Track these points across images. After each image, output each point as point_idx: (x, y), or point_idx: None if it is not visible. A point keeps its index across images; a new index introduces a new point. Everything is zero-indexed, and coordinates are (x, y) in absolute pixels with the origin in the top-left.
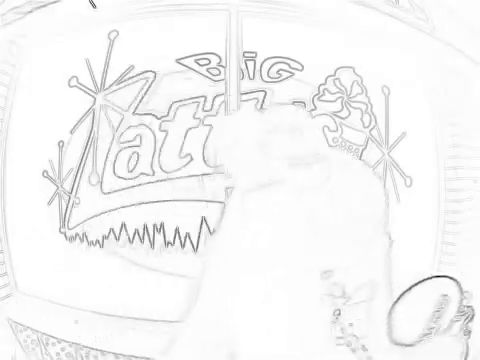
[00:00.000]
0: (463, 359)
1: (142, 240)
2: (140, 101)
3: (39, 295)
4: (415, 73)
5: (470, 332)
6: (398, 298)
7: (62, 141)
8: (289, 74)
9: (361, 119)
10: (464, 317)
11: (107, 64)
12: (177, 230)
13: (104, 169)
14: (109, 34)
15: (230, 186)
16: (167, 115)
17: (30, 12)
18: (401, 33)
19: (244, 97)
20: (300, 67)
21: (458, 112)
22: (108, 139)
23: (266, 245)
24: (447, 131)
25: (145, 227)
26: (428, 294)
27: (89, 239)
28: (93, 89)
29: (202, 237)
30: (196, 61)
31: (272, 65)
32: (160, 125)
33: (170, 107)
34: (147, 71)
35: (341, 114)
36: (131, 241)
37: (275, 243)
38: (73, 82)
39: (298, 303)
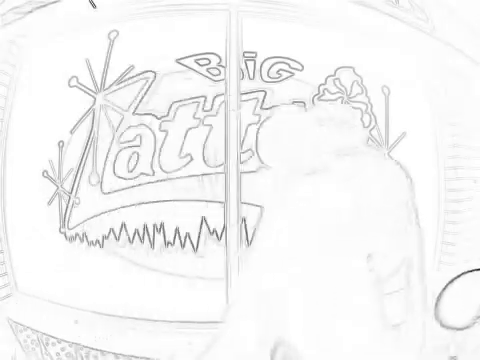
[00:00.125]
0: None
1: (142, 240)
2: (140, 101)
3: (39, 295)
4: (415, 73)
5: None
6: (446, 285)
7: (62, 141)
8: (289, 74)
9: (361, 119)
10: None
11: (107, 64)
12: (177, 230)
13: (104, 169)
14: (109, 34)
15: (269, 178)
16: (167, 115)
17: (30, 12)
18: (401, 33)
19: (244, 97)
20: (300, 67)
21: (458, 112)
22: (108, 139)
23: (313, 231)
24: (447, 131)
25: (145, 227)
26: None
27: (89, 239)
28: (93, 89)
29: (202, 237)
30: (196, 61)
31: (272, 65)
32: (160, 125)
33: (170, 107)
34: (147, 71)
35: None
36: (131, 241)
37: (323, 228)
38: (73, 82)
39: (346, 287)
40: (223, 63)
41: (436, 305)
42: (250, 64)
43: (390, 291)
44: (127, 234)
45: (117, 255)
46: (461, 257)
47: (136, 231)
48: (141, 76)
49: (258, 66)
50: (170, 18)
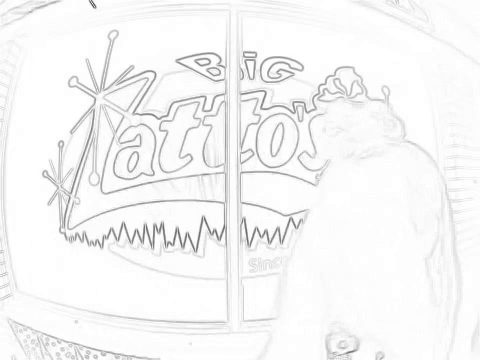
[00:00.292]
0: None
1: (142, 240)
2: (140, 101)
3: (39, 295)
4: (415, 73)
5: None
6: None
7: (62, 141)
8: (289, 74)
9: None
10: None
11: (107, 64)
12: (177, 230)
13: (104, 169)
14: (109, 34)
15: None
16: (167, 115)
17: (30, 12)
18: (401, 33)
19: (244, 97)
20: (300, 67)
21: (458, 112)
22: (108, 139)
23: (367, 207)
24: (447, 131)
25: (145, 227)
26: None
27: (89, 239)
28: (93, 89)
29: (202, 237)
30: (196, 61)
31: (272, 65)
32: (160, 125)
33: (170, 107)
34: (147, 71)
35: None
36: (131, 241)
37: (384, 203)
38: (73, 82)
39: (408, 262)
40: (223, 63)
41: None
42: (250, 64)
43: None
44: (127, 234)
45: (117, 255)
46: (461, 257)
47: (136, 231)
48: (141, 76)
49: (258, 66)
50: (170, 18)
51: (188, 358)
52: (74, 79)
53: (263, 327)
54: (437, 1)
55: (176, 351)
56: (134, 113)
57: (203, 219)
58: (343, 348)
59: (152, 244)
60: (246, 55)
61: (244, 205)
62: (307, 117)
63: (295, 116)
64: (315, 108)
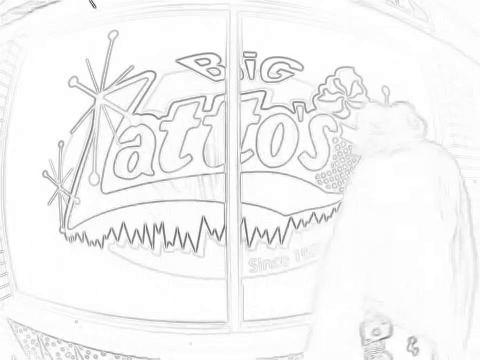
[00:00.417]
0: None
1: (142, 240)
2: (140, 101)
3: (39, 295)
4: (415, 73)
5: None
6: None
7: (62, 141)
8: (289, 74)
9: None
10: None
11: (107, 64)
12: (177, 230)
13: (104, 169)
14: (109, 34)
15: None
16: (167, 115)
17: (30, 12)
18: (401, 33)
19: (244, 97)
20: (300, 67)
21: (458, 112)
22: (108, 139)
23: (412, 195)
24: (447, 131)
25: (145, 227)
26: None
27: (89, 239)
28: (93, 89)
29: (202, 237)
30: (196, 61)
31: (272, 65)
32: (160, 125)
33: (170, 107)
34: (147, 71)
35: (341, 114)
36: (131, 241)
37: (415, 191)
38: (73, 82)
39: (437, 246)
40: (223, 63)
41: None
42: (250, 64)
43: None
44: (127, 234)
45: (117, 255)
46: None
47: (136, 231)
48: (141, 76)
49: (258, 66)
50: (170, 18)
51: (188, 358)
52: (74, 79)
53: (263, 327)
54: (437, 1)
55: (176, 351)
56: (134, 113)
57: (203, 219)
58: (377, 335)
59: (152, 244)
60: (246, 55)
61: (244, 205)
62: (307, 117)
63: (295, 116)
64: (315, 108)
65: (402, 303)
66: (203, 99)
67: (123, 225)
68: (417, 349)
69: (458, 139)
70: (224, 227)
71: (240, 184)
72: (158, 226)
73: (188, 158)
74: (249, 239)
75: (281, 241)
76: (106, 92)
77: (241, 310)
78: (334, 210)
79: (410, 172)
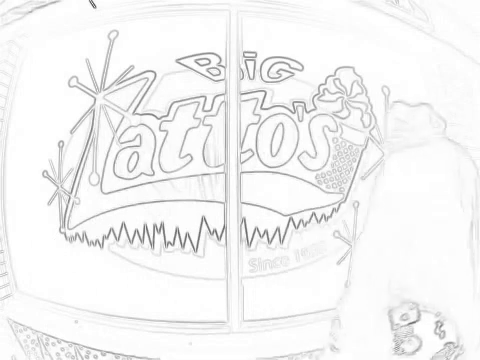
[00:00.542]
0: None
1: (142, 240)
2: (140, 101)
3: (39, 295)
4: (415, 73)
5: None
6: None
7: (62, 141)
8: (289, 74)
9: (361, 119)
10: None
11: (107, 64)
12: (177, 230)
13: (104, 169)
14: (109, 34)
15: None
16: (167, 115)
17: (30, 12)
18: (401, 33)
19: (244, 97)
20: (300, 67)
21: (458, 112)
22: (108, 139)
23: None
24: (447, 131)
25: (145, 227)
26: None
27: (89, 239)
28: (93, 89)
29: (202, 237)
30: (196, 61)
31: (272, 65)
32: (160, 125)
33: (170, 107)
34: (147, 71)
35: (341, 114)
36: (131, 241)
37: (438, 181)
38: (73, 82)
39: (458, 232)
40: (223, 63)
41: None
42: (250, 64)
43: None
44: (127, 234)
45: (117, 255)
46: None
47: (136, 231)
48: (141, 76)
49: (258, 66)
50: (170, 18)
51: (188, 358)
52: (74, 79)
53: (263, 327)
54: (437, 1)
55: (176, 351)
56: (134, 113)
57: (203, 219)
58: (405, 320)
59: (152, 244)
60: (246, 55)
61: (244, 205)
62: (307, 117)
63: (295, 116)
64: (315, 108)
65: (427, 288)
66: (203, 99)
67: (123, 225)
68: (444, 332)
69: (458, 139)
70: (224, 227)
71: (240, 184)
72: (158, 226)
73: (188, 158)
74: (249, 239)
75: (281, 241)
76: (106, 92)
77: (241, 310)
78: (334, 210)
79: (433, 164)
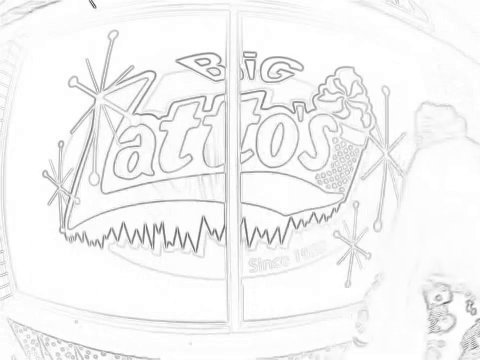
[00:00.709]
0: None
1: (142, 240)
2: (140, 101)
3: (39, 295)
4: (415, 73)
5: None
6: None
7: (62, 141)
8: (289, 74)
9: (361, 119)
10: None
11: (107, 64)
12: (177, 230)
13: (104, 169)
14: (109, 34)
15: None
16: (167, 115)
17: (30, 12)
18: (401, 33)
19: (244, 97)
20: (300, 67)
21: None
22: (108, 139)
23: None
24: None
25: (145, 227)
26: None
27: (89, 239)
28: (93, 89)
29: (202, 237)
30: (196, 61)
31: (272, 65)
32: (160, 125)
33: (170, 107)
34: (147, 71)
35: (341, 114)
36: (131, 241)
37: (468, 173)
38: (73, 82)
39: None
40: (223, 63)
41: None
42: (250, 64)
43: None
44: (127, 234)
45: (117, 255)
46: None
47: (136, 231)
48: (141, 76)
49: (258, 66)
50: (170, 18)
51: (188, 358)
52: (74, 79)
53: (263, 327)
54: (437, 1)
55: (176, 351)
56: (134, 113)
57: (203, 219)
58: (439, 300)
59: (152, 244)
60: (246, 55)
61: (244, 205)
62: (307, 117)
63: (295, 116)
64: (315, 108)
65: (462, 272)
66: (203, 99)
67: (123, 225)
68: (475, 309)
69: None
70: (224, 227)
71: (240, 184)
72: (158, 226)
73: (188, 158)
74: (249, 239)
75: (281, 241)
76: (106, 92)
77: (241, 310)
78: (334, 210)
79: (461, 155)
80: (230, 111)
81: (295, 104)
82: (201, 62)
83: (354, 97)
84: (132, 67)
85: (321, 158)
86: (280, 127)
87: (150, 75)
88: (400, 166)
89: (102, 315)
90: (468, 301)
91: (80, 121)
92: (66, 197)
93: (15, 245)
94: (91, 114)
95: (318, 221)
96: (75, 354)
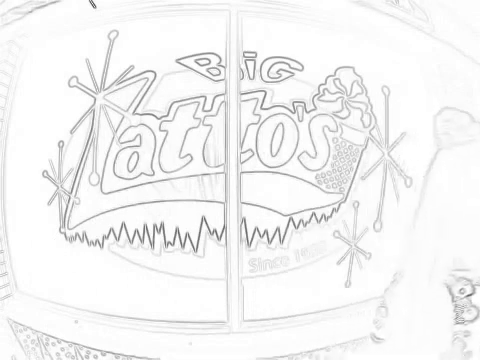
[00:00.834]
0: None
1: (142, 240)
2: (140, 101)
3: (39, 295)
4: (415, 73)
5: None
6: None
7: (62, 141)
8: (289, 74)
9: (361, 119)
10: None
11: (107, 64)
12: (177, 230)
13: (104, 169)
14: (109, 34)
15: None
16: (167, 115)
17: (30, 12)
18: (401, 33)
19: (244, 97)
20: (300, 67)
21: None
22: (108, 139)
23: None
24: None
25: (145, 227)
26: None
27: (89, 239)
28: (93, 89)
29: (202, 237)
30: (196, 61)
31: (272, 65)
32: (160, 125)
33: (170, 107)
34: (147, 71)
35: (341, 114)
36: (131, 241)
37: None
38: (73, 82)
39: None
40: (223, 63)
41: None
42: (250, 64)
43: None
44: (127, 234)
45: (117, 255)
46: None
47: (136, 231)
48: (141, 76)
49: (258, 66)
50: (170, 18)
51: (188, 358)
52: (74, 79)
53: (263, 327)
54: (437, 1)
55: (176, 351)
56: (134, 113)
57: (203, 219)
58: (462, 293)
59: (152, 244)
60: (246, 55)
61: (244, 205)
62: (307, 117)
63: (295, 116)
64: (315, 108)
65: None
66: (203, 99)
67: (123, 225)
68: None
69: None
70: (224, 227)
71: (240, 184)
72: (158, 226)
73: (188, 158)
74: (249, 239)
75: (281, 241)
76: (106, 92)
77: (241, 310)
78: (334, 210)
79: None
80: (230, 111)
81: (295, 104)
82: (201, 62)
83: (354, 97)
84: (132, 67)
85: (321, 158)
86: (280, 127)
87: (150, 75)
88: (400, 166)
89: (102, 315)
90: None
91: (80, 121)
92: (66, 197)
93: (15, 245)
94: (91, 114)
95: (318, 221)
96: (75, 354)
